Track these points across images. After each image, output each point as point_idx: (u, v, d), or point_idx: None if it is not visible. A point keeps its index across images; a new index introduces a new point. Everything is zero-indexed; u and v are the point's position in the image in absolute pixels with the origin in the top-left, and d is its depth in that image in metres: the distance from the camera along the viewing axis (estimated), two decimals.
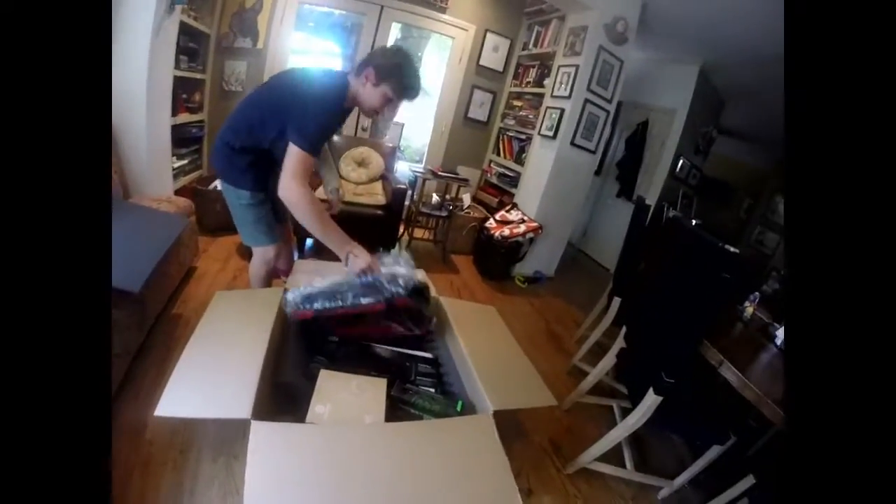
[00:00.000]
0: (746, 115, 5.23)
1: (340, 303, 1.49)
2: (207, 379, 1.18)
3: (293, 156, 1.48)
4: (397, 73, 1.56)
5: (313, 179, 1.71)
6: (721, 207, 7.02)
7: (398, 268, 1.59)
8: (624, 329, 2.10)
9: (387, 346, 1.69)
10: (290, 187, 1.47)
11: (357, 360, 1.57)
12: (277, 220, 1.96)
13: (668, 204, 4.93)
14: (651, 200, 4.75)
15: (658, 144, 4.87)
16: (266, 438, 1.02)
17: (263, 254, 1.93)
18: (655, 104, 4.89)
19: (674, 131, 4.69)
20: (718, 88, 4.81)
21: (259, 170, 1.76)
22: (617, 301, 2.51)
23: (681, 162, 4.89)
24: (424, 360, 1.67)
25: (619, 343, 2.07)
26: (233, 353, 1.29)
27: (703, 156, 5.30)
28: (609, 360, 2.08)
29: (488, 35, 4.32)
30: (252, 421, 1.05)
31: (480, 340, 1.66)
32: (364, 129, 4.38)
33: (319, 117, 1.53)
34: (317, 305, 1.49)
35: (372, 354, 1.63)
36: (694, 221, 5.04)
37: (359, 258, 1.54)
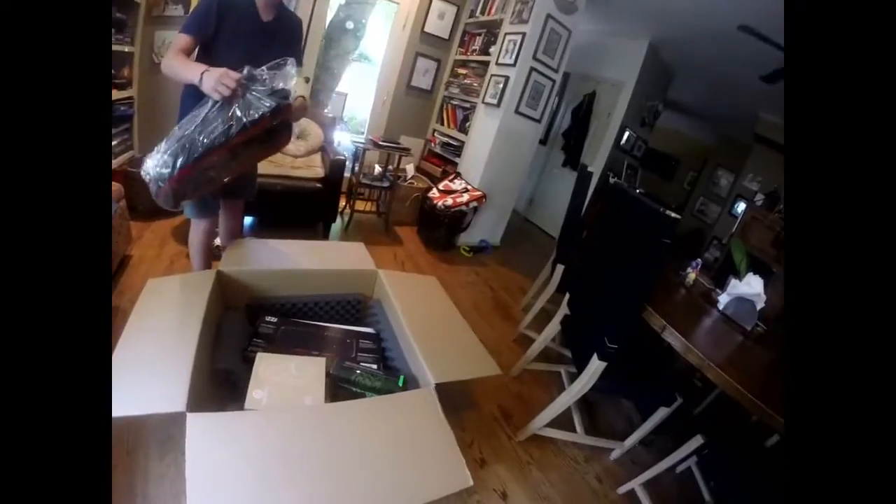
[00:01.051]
0: (693, 89, 5.36)
1: (203, 146, 1.36)
2: (142, 373, 1.15)
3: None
4: None
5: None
6: (665, 179, 7.25)
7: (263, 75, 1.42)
8: (567, 296, 2.15)
9: (326, 323, 1.68)
10: (164, 65, 1.52)
11: (296, 341, 1.55)
12: (227, 196, 1.91)
13: (613, 174, 5.05)
14: (596, 170, 4.82)
15: (605, 115, 4.94)
16: (203, 430, 1.01)
17: (194, 226, 1.89)
18: (603, 76, 4.94)
19: (620, 103, 4.77)
20: (667, 63, 4.89)
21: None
22: (560, 268, 2.55)
23: (626, 134, 4.99)
24: (366, 335, 1.66)
25: (563, 310, 2.11)
26: (166, 343, 1.26)
27: (648, 128, 5.42)
28: (554, 328, 2.13)
29: (434, 1, 4.20)
30: (187, 413, 1.02)
31: (422, 313, 1.67)
32: (307, 81, 4.14)
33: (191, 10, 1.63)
34: (181, 161, 1.37)
35: (312, 333, 1.61)
36: (638, 191, 5.20)
37: (211, 73, 1.38)
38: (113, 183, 2.52)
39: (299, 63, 1.91)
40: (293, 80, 1.41)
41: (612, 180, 2.22)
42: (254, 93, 1.36)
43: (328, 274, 1.78)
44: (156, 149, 1.43)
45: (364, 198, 3.96)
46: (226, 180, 1.51)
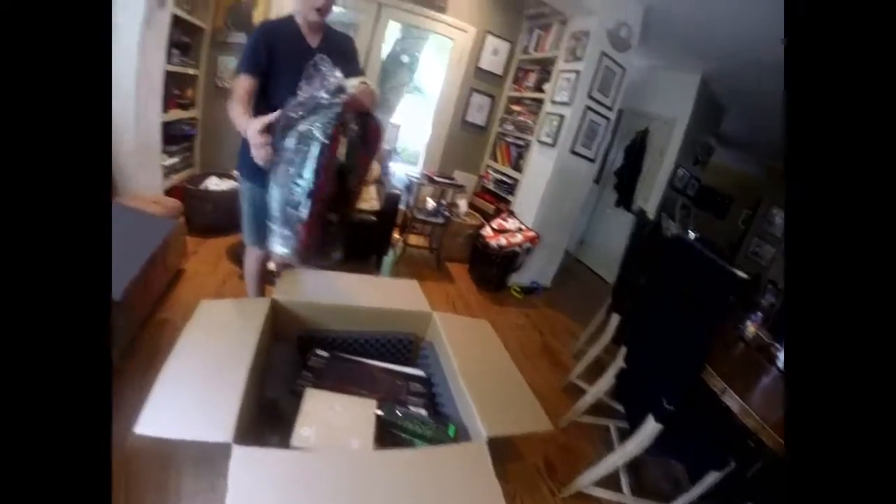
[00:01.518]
0: (745, 123, 5.21)
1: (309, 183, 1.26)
2: (190, 396, 1.13)
3: None
4: None
5: None
6: (718, 218, 7.01)
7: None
8: (623, 349, 2.06)
9: (377, 361, 1.65)
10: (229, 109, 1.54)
11: (346, 377, 1.52)
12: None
13: (667, 214, 4.93)
14: (649, 210, 4.72)
15: (657, 153, 4.85)
16: (248, 465, 0.98)
17: (249, 253, 1.96)
18: (656, 112, 4.86)
19: (673, 141, 4.67)
20: (719, 96, 4.78)
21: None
22: (616, 317, 2.46)
23: (680, 172, 4.88)
24: (416, 378, 1.62)
25: (619, 363, 2.03)
26: (216, 368, 1.24)
27: (701, 166, 5.29)
28: (607, 381, 2.05)
29: (488, 37, 4.26)
30: (234, 446, 1.00)
31: (474, 358, 1.62)
32: None
33: (244, 48, 1.61)
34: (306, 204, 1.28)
35: (362, 371, 1.58)
36: (692, 234, 5.06)
37: (249, 137, 1.34)
38: (171, 199, 2.61)
39: (356, 73, 1.92)
40: (337, 72, 1.29)
41: (667, 224, 2.13)
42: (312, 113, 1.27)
43: (383, 312, 1.76)
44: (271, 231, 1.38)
45: (417, 232, 3.99)
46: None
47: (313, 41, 1.71)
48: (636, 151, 5.00)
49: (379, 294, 1.89)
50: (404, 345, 1.81)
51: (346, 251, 3.13)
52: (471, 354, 1.62)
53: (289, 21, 1.68)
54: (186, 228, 2.75)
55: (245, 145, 1.53)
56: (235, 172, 1.79)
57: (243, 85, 1.56)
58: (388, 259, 3.59)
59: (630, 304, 2.44)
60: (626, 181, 5.08)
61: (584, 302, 4.02)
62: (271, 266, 2.25)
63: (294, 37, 1.67)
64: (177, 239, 2.51)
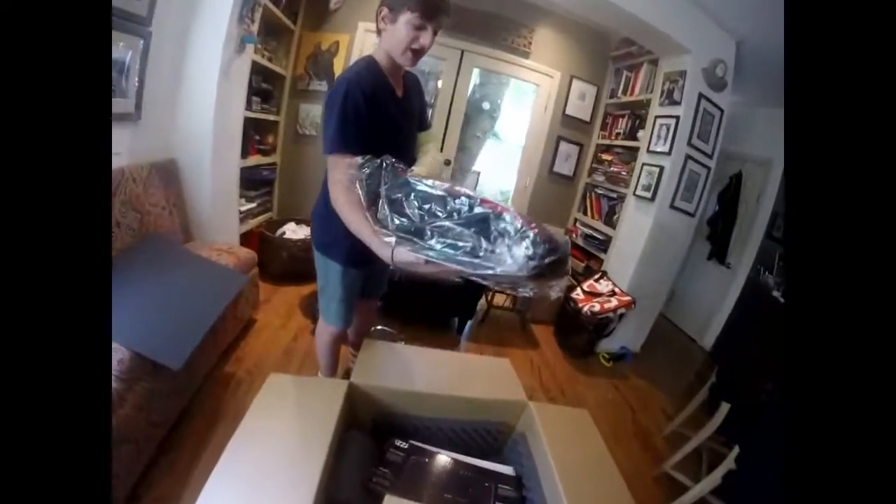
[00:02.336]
0: None
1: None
2: (253, 488, 0.99)
3: (328, 165, 1.37)
4: None
5: None
6: None
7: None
8: (736, 450, 1.81)
9: (460, 455, 1.42)
10: (330, 194, 1.36)
11: (427, 476, 1.32)
12: (364, 294, 1.80)
13: (765, 269, 4.46)
14: (746, 263, 4.37)
15: (753, 200, 4.43)
16: None
17: (324, 328, 1.77)
18: (749, 153, 4.48)
19: (771, 184, 4.25)
20: None
21: (355, 238, 1.39)
22: (725, 407, 2.10)
23: (778, 220, 4.38)
24: (506, 479, 1.39)
25: (729, 464, 1.80)
26: (284, 462, 1.08)
27: None
28: (713, 481, 1.83)
29: (574, 82, 4.09)
30: None
31: (573, 459, 1.37)
32: (447, 164, 4.07)
33: (332, 110, 1.31)
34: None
35: (445, 469, 1.37)
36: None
37: (404, 264, 1.14)
38: (245, 250, 2.54)
39: (424, 126, 1.74)
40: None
41: (768, 280, 1.82)
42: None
43: (471, 401, 1.55)
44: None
45: (501, 291, 3.76)
46: None
47: (399, 88, 1.51)
48: (730, 198, 4.60)
49: (467, 376, 1.67)
50: (493, 435, 1.59)
51: (428, 315, 3.02)
52: (569, 453, 1.38)
53: (372, 67, 1.42)
54: (259, 277, 2.68)
55: (352, 238, 1.34)
56: (332, 263, 1.60)
57: (349, 171, 1.23)
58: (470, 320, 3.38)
59: (743, 391, 2.10)
60: (720, 231, 4.66)
61: (676, 370, 3.81)
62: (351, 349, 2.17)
63: (383, 87, 1.43)
64: (249, 289, 2.43)
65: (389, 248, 1.13)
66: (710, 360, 4.21)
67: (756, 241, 4.34)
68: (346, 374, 2.19)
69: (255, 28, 2.70)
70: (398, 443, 1.38)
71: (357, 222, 1.25)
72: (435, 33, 1.33)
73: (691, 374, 3.94)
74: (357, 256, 1.50)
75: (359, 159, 1.22)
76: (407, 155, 1.52)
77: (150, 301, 1.64)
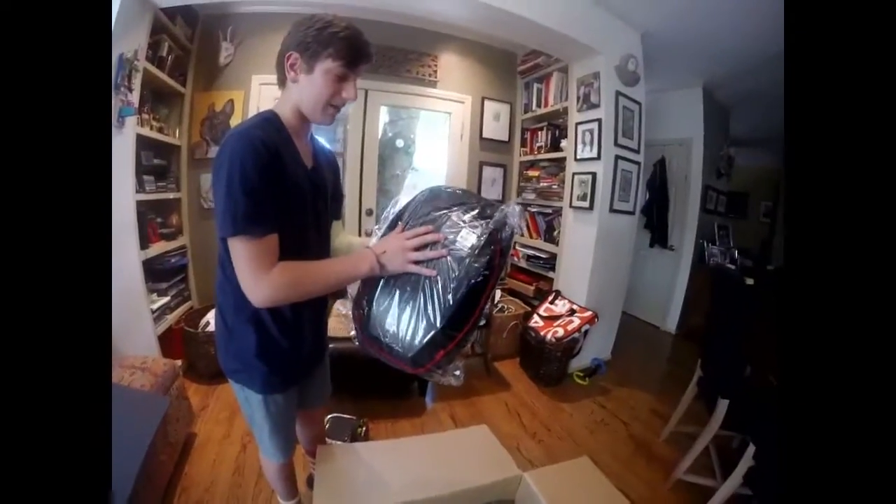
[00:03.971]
0: (753, 120, 5.11)
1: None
2: None
3: (234, 253, 1.00)
4: (328, 36, 1.04)
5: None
6: (740, 218, 6.67)
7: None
8: (752, 449, 1.74)
9: None
10: (253, 291, 1.00)
11: None
12: (306, 406, 1.49)
13: (707, 241, 4.59)
14: (689, 242, 4.61)
15: (681, 179, 4.66)
16: None
17: (269, 463, 1.46)
18: (667, 137, 4.68)
19: (694, 162, 4.50)
20: (722, 103, 4.72)
21: (271, 354, 1.19)
22: (724, 404, 2.01)
23: (709, 192, 4.69)
24: None
25: (748, 461, 1.74)
26: None
27: (726, 178, 5.13)
28: (735, 482, 1.77)
29: (486, 103, 4.02)
30: None
31: None
32: (369, 214, 3.86)
33: (231, 173, 0.94)
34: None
35: None
36: (736, 252, 4.70)
37: (389, 251, 1.04)
38: (161, 361, 2.19)
39: (338, 215, 1.44)
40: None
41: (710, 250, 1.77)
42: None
43: (456, 495, 1.34)
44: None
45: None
46: None
47: (307, 158, 1.19)
48: (658, 183, 4.77)
49: (448, 462, 1.47)
50: None
51: (384, 384, 2.76)
52: None
53: (274, 123, 1.11)
54: (187, 382, 2.34)
55: (260, 346, 1.15)
56: (250, 393, 1.26)
57: (266, 255, 1.00)
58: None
59: (738, 385, 2.02)
60: (656, 217, 4.80)
61: (652, 364, 3.90)
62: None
63: (290, 150, 1.11)
64: (178, 406, 2.11)
65: (371, 260, 1.03)
66: (676, 340, 4.52)
67: (693, 218, 4.57)
68: (310, 481, 1.91)
69: (133, 97, 2.39)
70: None
71: (323, 278, 1.05)
72: (355, 82, 1.11)
73: (666, 363, 4.03)
74: (279, 377, 1.24)
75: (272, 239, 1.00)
76: (322, 244, 1.26)
77: None
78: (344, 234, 1.46)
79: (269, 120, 1.10)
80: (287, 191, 1.05)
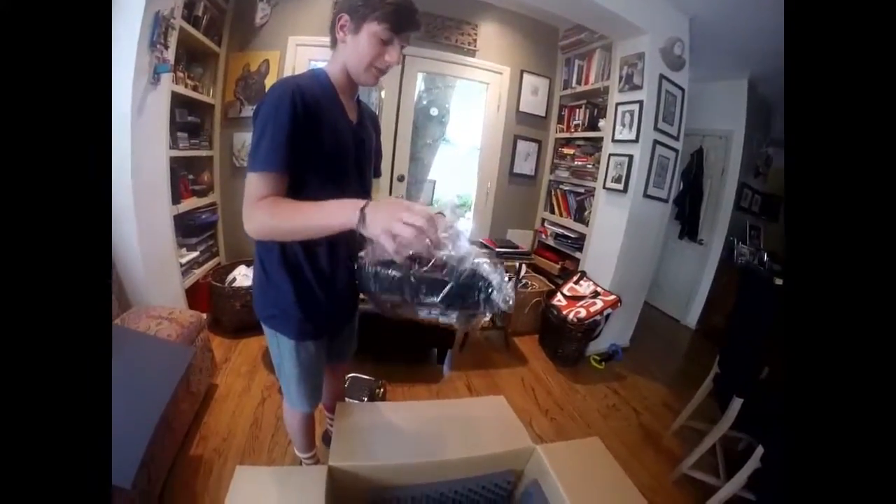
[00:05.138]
0: None
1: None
2: None
3: (245, 186, 1.04)
4: (377, 1, 1.08)
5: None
6: (772, 222, 6.49)
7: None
8: (760, 450, 1.74)
9: None
10: (245, 221, 1.02)
11: None
12: (331, 359, 1.54)
13: (737, 240, 4.47)
14: (718, 238, 4.46)
15: (717, 173, 4.50)
16: None
17: (294, 413, 1.53)
18: (708, 128, 4.52)
19: (733, 157, 4.33)
20: (767, 98, 4.48)
21: (307, 302, 1.25)
22: (738, 403, 2.00)
23: (745, 191, 4.52)
24: None
25: (755, 463, 1.75)
26: None
27: (763, 178, 4.90)
28: (740, 482, 1.78)
29: (525, 76, 3.96)
30: None
31: (594, 499, 1.25)
32: (400, 180, 3.85)
33: (266, 119, 1.02)
34: None
35: None
36: (765, 255, 4.57)
37: (381, 208, 0.89)
38: (189, 312, 2.26)
39: (378, 172, 1.51)
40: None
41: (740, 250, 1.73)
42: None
43: (469, 460, 1.36)
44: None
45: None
46: None
47: (352, 114, 1.26)
48: (694, 175, 4.62)
49: (462, 428, 1.49)
50: (503, 487, 1.44)
51: (404, 349, 2.81)
52: (587, 492, 1.27)
53: (322, 79, 1.18)
54: (211, 334, 2.41)
55: (298, 293, 1.22)
56: (283, 338, 1.32)
57: (262, 193, 1.02)
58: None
59: (754, 385, 2.03)
60: (688, 209, 4.67)
61: (668, 356, 3.88)
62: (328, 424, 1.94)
63: (335, 104, 1.18)
64: (202, 357, 2.18)
65: (356, 211, 0.89)
66: (696, 336, 4.42)
67: (726, 214, 4.42)
68: (325, 437, 1.97)
69: (169, 55, 2.41)
70: None
71: (302, 218, 0.99)
72: (402, 49, 1.15)
73: (683, 358, 3.99)
74: (313, 324, 1.29)
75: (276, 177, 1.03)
76: (361, 194, 1.22)
77: None
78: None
79: (317, 76, 1.18)
80: (325, 140, 1.11)
